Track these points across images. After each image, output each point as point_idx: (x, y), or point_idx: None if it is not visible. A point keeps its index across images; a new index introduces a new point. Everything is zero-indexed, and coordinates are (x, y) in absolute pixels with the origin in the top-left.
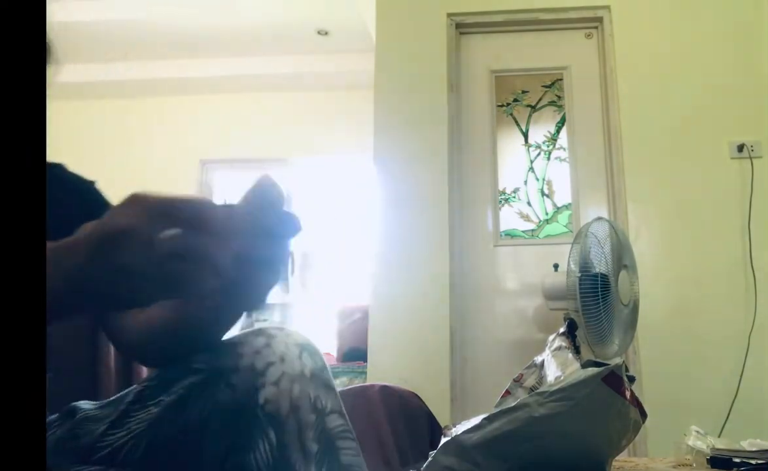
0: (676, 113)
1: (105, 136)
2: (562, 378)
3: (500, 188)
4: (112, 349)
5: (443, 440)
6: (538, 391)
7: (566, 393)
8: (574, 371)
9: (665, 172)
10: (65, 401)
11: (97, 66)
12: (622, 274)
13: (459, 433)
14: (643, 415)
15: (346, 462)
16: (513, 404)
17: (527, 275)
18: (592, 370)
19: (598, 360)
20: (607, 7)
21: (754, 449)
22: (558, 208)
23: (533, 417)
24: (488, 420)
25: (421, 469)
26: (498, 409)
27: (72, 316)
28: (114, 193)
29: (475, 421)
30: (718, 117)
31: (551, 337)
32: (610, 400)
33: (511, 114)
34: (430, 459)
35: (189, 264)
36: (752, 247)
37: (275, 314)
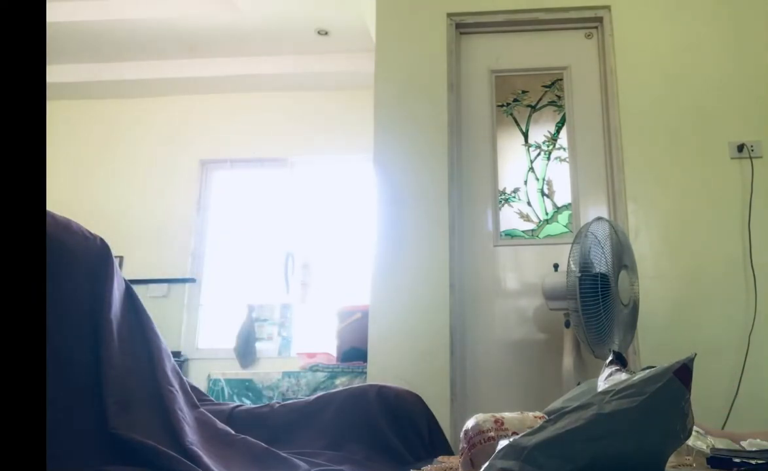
0: (676, 113)
1: (105, 136)
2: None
3: (500, 188)
4: (113, 349)
5: (500, 444)
6: (603, 389)
7: (636, 389)
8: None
9: (665, 172)
10: (69, 400)
11: (97, 66)
12: (622, 274)
13: (518, 437)
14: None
15: None
16: (578, 404)
17: (527, 275)
18: (662, 366)
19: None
20: (607, 7)
21: (754, 449)
22: (558, 208)
23: (602, 414)
24: (551, 421)
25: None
26: (560, 412)
27: None
28: (114, 192)
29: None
30: (718, 117)
31: (602, 377)
32: (680, 393)
33: (511, 114)
34: (486, 464)
35: None
36: (752, 246)
37: (275, 314)
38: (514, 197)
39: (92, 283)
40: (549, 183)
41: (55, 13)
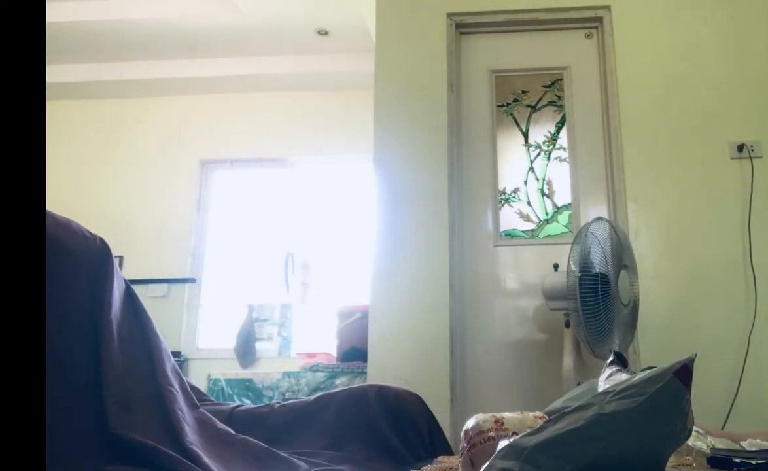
0: (676, 113)
1: (105, 136)
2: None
3: (500, 188)
4: (113, 349)
5: (500, 444)
6: (603, 390)
7: (637, 389)
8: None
9: (665, 172)
10: (69, 399)
11: (97, 66)
12: (622, 274)
13: (518, 437)
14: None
15: None
16: (578, 404)
17: (527, 275)
18: (662, 366)
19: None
20: (607, 7)
21: (754, 449)
22: (558, 208)
23: (602, 414)
24: (551, 422)
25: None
26: (560, 412)
27: None
28: (114, 192)
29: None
30: (718, 117)
31: (602, 377)
32: (680, 393)
33: (511, 114)
34: (487, 464)
35: None
36: (752, 246)
37: (275, 314)
38: (514, 197)
39: (92, 283)
40: (549, 183)
41: (55, 13)
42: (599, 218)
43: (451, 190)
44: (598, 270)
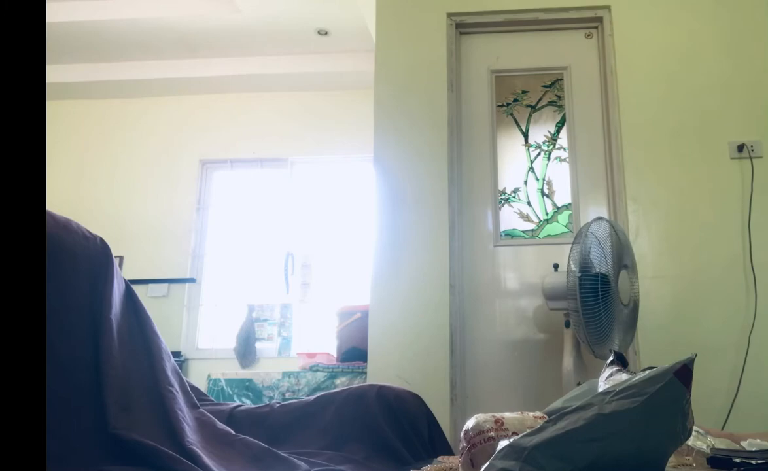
0: (676, 113)
1: (105, 136)
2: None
3: (500, 188)
4: (113, 349)
5: (500, 444)
6: (604, 390)
7: (637, 389)
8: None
9: (665, 172)
10: (70, 399)
11: (97, 66)
12: (622, 274)
13: (518, 437)
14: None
15: None
16: (578, 404)
17: (527, 275)
18: (662, 366)
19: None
20: (607, 7)
21: (754, 449)
22: (558, 208)
23: (602, 415)
24: (551, 422)
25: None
26: (560, 412)
27: None
28: (114, 192)
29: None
30: (718, 117)
31: (602, 377)
32: (680, 394)
33: (511, 114)
34: (487, 464)
35: None
36: (752, 246)
37: (275, 314)
38: (514, 197)
39: (92, 283)
40: (549, 183)
41: (55, 13)
42: (599, 218)
43: (451, 190)
44: (598, 270)
